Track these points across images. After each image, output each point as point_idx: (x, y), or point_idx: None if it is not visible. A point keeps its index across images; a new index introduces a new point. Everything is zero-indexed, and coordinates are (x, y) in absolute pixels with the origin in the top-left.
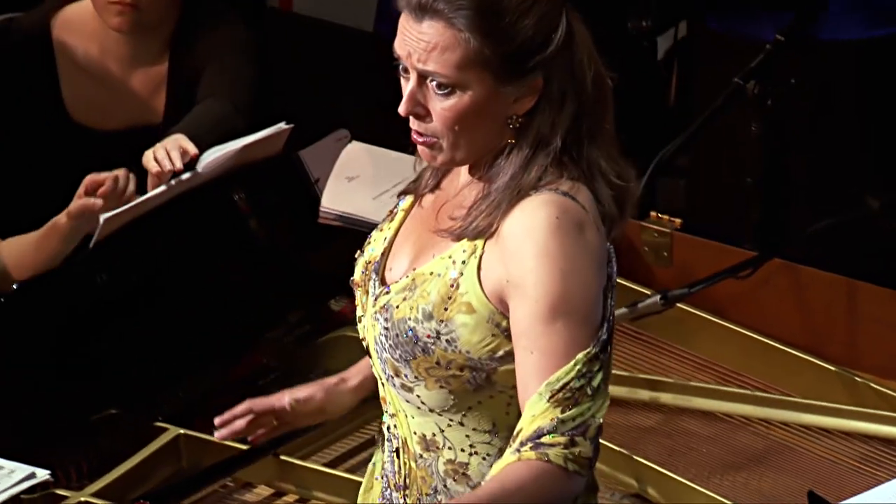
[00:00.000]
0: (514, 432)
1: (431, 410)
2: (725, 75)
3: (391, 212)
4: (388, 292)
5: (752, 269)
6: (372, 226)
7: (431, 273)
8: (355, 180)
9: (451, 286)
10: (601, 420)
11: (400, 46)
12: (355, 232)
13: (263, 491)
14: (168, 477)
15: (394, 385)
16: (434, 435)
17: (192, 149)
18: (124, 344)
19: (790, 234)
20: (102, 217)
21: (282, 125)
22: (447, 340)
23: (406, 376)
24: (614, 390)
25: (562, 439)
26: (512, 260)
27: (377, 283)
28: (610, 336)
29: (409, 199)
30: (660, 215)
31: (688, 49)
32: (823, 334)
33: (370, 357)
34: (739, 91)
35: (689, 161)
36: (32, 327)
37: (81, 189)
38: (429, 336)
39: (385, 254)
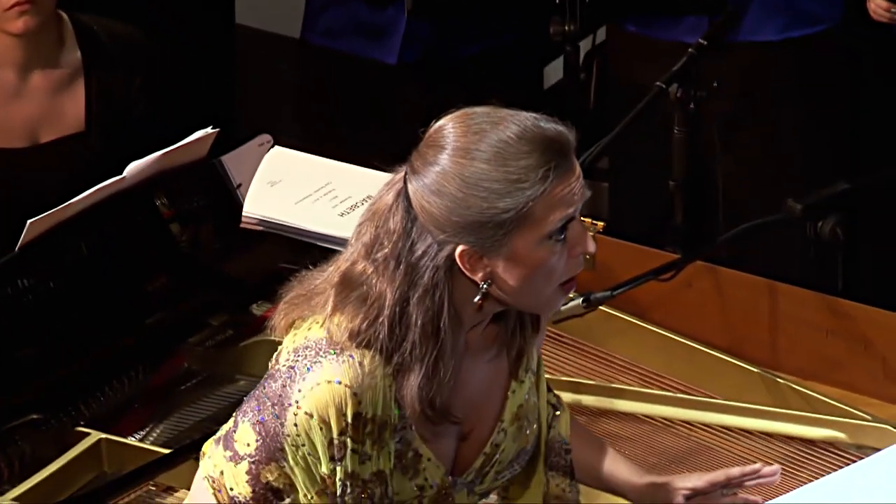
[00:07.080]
0: None
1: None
2: (642, 77)
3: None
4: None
5: (675, 272)
6: (294, 230)
7: (520, 406)
8: (278, 185)
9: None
10: None
11: (571, 203)
12: (277, 237)
13: (185, 494)
14: (90, 481)
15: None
16: None
17: None
18: (45, 349)
19: (712, 237)
20: (28, 221)
21: (207, 129)
22: (548, 426)
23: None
24: None
25: None
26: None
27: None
28: None
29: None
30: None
31: (606, 52)
32: (745, 336)
33: None
34: (662, 94)
35: (612, 164)
36: None
37: None
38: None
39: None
